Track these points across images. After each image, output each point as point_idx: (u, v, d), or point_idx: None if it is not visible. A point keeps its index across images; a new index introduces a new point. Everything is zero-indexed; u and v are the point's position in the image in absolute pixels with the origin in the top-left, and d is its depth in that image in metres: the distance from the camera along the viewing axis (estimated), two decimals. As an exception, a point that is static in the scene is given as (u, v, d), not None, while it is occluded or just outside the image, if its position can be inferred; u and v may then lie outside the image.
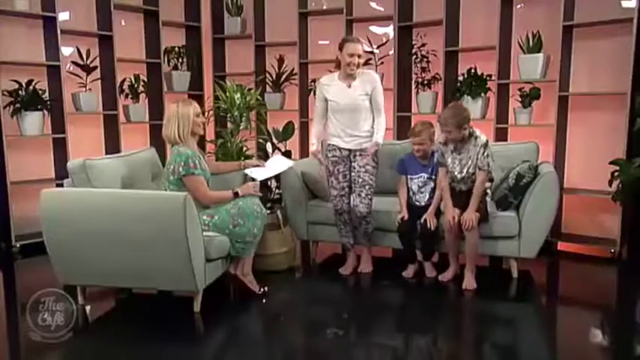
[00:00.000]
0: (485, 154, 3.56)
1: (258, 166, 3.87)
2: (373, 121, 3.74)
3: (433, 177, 3.85)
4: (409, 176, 3.91)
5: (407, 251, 3.90)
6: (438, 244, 3.84)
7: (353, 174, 3.78)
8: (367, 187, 3.75)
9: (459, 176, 3.66)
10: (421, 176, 3.88)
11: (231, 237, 3.41)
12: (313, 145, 3.86)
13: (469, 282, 3.65)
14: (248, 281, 3.53)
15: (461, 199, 3.67)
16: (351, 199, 3.79)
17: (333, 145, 3.80)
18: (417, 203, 3.88)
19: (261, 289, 3.57)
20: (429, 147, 3.84)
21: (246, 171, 3.84)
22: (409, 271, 3.90)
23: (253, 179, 3.75)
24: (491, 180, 3.82)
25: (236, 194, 3.48)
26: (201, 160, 3.51)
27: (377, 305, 3.58)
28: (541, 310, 3.68)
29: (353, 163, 3.78)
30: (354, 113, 3.70)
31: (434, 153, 3.80)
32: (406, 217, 3.80)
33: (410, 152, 3.97)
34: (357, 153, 3.75)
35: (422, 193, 3.88)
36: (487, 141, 3.61)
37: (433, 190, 3.86)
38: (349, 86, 3.71)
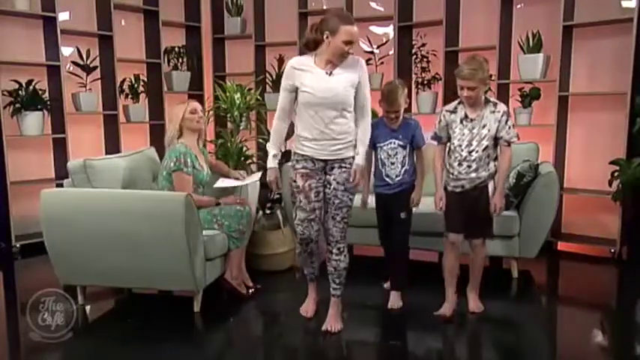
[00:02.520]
0: (510, 124, 2.99)
1: (238, 179, 3.74)
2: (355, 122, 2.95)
3: (404, 143, 3.26)
4: (377, 144, 3.30)
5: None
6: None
7: (327, 191, 2.94)
8: (345, 209, 2.95)
9: (464, 153, 3.01)
10: (390, 142, 3.27)
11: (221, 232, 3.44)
12: (271, 161, 2.97)
13: (476, 304, 3.30)
14: (237, 284, 3.51)
15: (461, 211, 3.09)
16: (325, 219, 2.99)
17: (305, 155, 2.93)
18: (388, 179, 3.29)
19: (249, 292, 3.56)
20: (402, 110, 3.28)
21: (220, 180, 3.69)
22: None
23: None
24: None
25: (218, 204, 3.51)
26: (196, 159, 3.51)
27: (376, 305, 3.57)
28: (541, 310, 3.68)
29: (328, 177, 2.94)
30: (335, 110, 2.84)
31: (406, 118, 3.33)
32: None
33: (377, 119, 3.36)
34: (335, 165, 2.92)
35: (392, 163, 3.27)
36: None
37: (405, 160, 3.27)
38: (330, 74, 2.85)
